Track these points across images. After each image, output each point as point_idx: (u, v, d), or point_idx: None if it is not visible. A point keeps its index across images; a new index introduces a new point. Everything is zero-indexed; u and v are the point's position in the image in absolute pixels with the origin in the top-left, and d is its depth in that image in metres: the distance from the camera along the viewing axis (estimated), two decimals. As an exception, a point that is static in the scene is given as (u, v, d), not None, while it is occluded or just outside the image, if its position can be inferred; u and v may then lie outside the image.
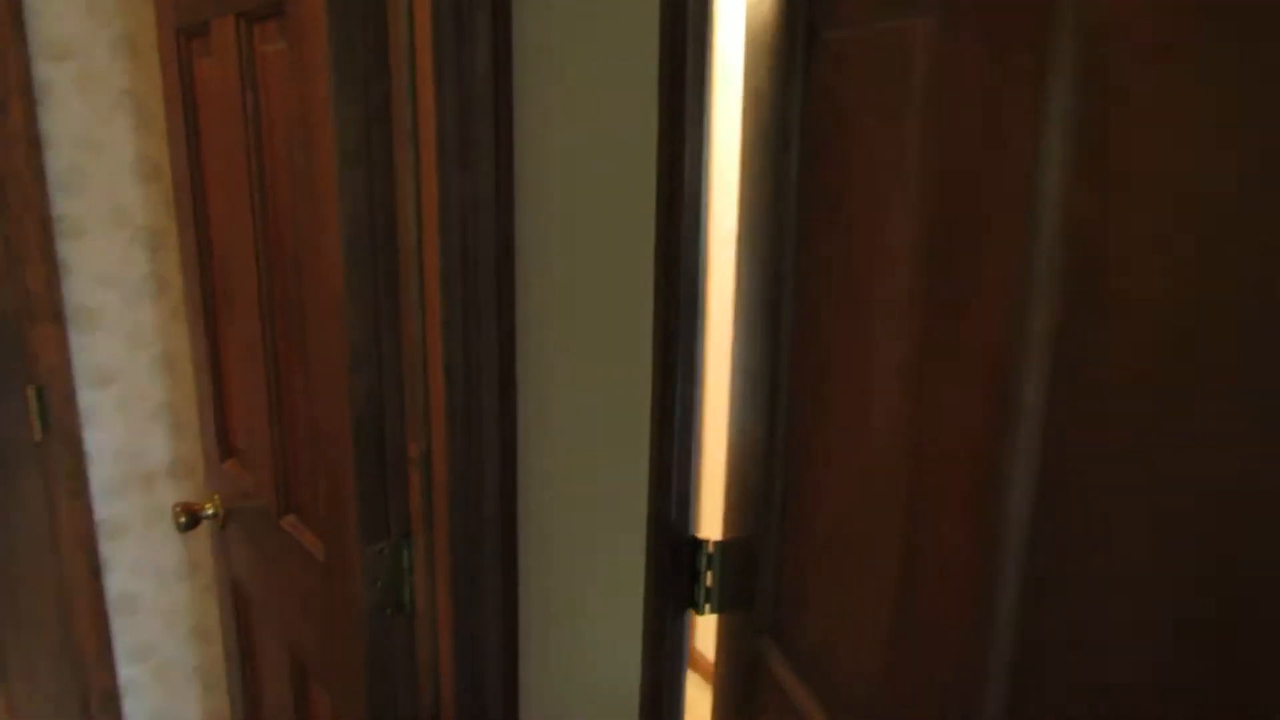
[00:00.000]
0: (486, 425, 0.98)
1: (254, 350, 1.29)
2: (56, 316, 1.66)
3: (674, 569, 1.18)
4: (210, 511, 1.54)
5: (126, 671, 1.85)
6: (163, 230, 1.73)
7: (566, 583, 1.09)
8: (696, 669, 2.60)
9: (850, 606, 0.67)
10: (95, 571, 1.78)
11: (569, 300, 1.00)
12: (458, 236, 0.92)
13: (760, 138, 0.81)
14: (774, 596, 0.84)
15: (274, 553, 1.35)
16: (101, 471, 1.76)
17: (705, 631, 2.74)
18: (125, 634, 1.84)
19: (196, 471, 1.87)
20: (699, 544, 1.15)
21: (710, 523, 1.08)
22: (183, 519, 1.52)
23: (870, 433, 0.63)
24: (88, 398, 1.72)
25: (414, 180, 0.94)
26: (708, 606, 1.16)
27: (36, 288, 1.64)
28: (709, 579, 1.14)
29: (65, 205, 1.65)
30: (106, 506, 1.78)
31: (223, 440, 1.53)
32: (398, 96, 0.95)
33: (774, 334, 0.81)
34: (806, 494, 0.76)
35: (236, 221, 1.28)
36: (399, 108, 0.95)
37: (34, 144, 1.60)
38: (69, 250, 1.66)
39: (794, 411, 0.78)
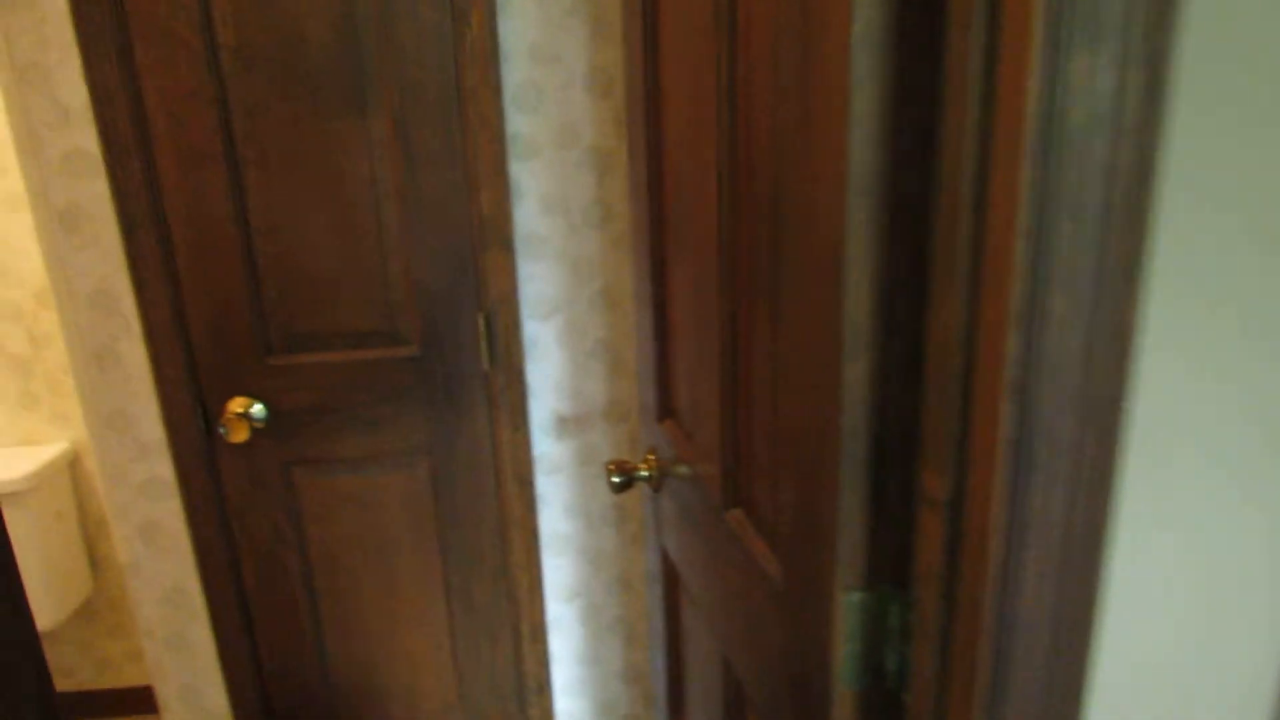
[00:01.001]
0: (1069, 471, 0.61)
1: (706, 302, 1.05)
2: (506, 243, 1.58)
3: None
4: (645, 474, 1.37)
5: (554, 609, 1.81)
6: (611, 152, 1.57)
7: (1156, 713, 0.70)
8: None
9: None
10: (531, 506, 1.73)
11: (1229, 281, 0.59)
12: (1054, 170, 0.55)
13: None
14: None
15: (713, 545, 1.12)
16: (540, 406, 1.69)
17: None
18: (555, 572, 1.79)
19: (632, 416, 1.73)
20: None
21: None
22: (616, 478, 1.37)
23: None
24: (531, 330, 1.65)
25: (981, 82, 0.58)
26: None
27: (489, 211, 1.57)
28: None
29: (518, 123, 1.54)
30: (543, 442, 1.71)
31: (662, 396, 1.33)
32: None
33: None
34: None
35: (696, 143, 1.03)
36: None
37: (493, 57, 1.50)
38: (520, 172, 1.56)
39: None
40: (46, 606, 2.06)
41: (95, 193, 1.51)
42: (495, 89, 1.51)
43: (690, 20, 1.00)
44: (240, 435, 1.59)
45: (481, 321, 1.62)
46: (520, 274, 1.62)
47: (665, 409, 1.33)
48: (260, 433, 1.66)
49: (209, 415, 1.64)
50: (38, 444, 2.10)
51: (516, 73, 1.52)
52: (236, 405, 1.62)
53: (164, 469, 1.66)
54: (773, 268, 0.85)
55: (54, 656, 2.29)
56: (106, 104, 1.46)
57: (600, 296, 1.64)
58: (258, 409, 1.63)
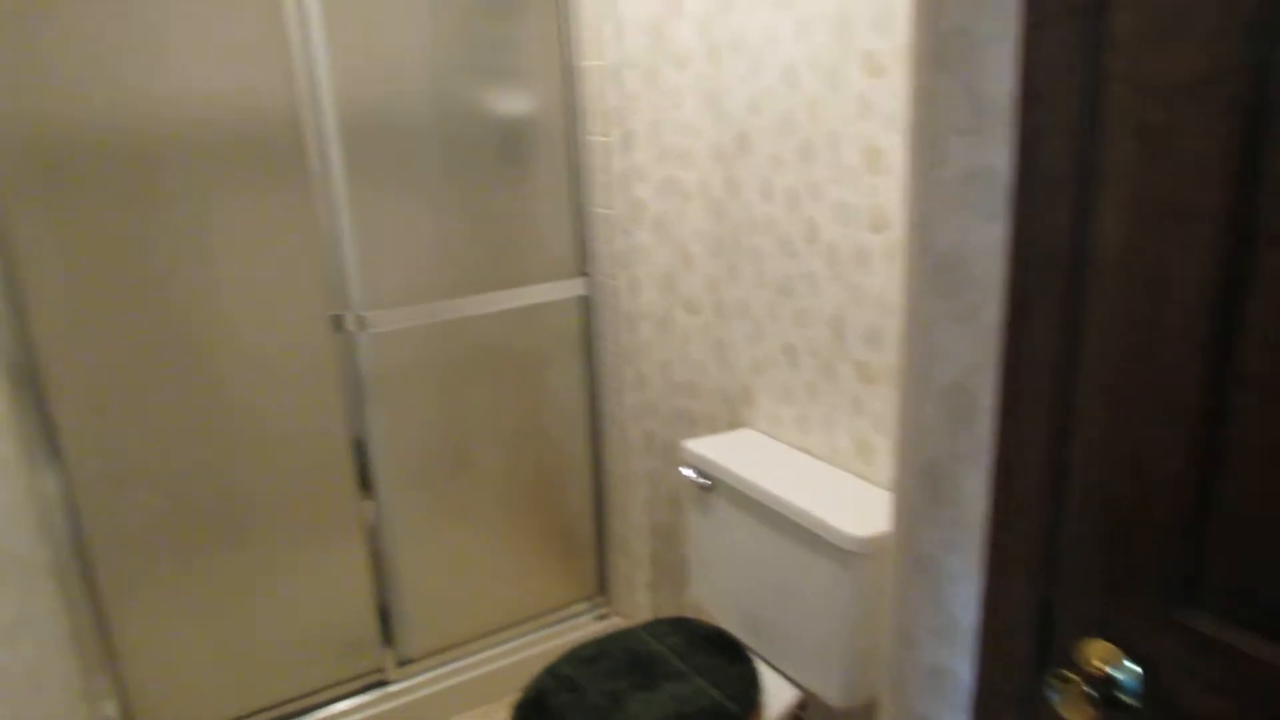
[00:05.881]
0: None
1: None
2: None
3: None
4: None
5: None
6: None
7: None
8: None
9: None
10: None
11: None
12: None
13: None
14: None
15: None
16: None
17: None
18: None
19: None
20: None
21: None
22: None
23: None
24: None
25: None
26: None
27: None
28: None
29: None
30: None
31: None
32: None
33: None
34: None
35: None
36: None
37: None
38: None
39: None
40: (840, 689, 1.71)
41: (990, 241, 0.92)
42: None
43: None
44: (1077, 714, 0.87)
45: None
46: None
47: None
48: (1116, 716, 0.89)
49: (1046, 645, 0.95)
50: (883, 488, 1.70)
51: None
52: (1098, 652, 0.89)
53: (960, 658, 1.06)
54: None
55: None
56: (1034, 101, 0.84)
57: None
58: (1129, 675, 0.87)
